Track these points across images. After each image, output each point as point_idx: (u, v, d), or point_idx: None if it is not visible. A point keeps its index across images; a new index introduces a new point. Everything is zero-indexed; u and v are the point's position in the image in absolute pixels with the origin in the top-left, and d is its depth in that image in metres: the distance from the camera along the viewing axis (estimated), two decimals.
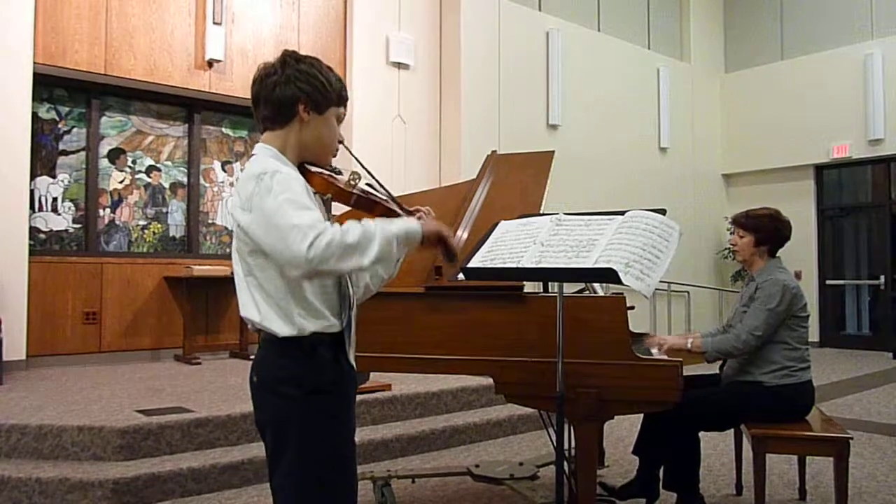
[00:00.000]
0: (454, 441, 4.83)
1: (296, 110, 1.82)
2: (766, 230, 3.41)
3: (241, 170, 7.72)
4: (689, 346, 3.38)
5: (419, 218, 2.02)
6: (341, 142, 1.94)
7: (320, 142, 1.88)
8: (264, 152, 1.82)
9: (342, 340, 1.83)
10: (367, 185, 1.94)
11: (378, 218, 1.73)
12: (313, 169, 1.86)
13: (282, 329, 1.73)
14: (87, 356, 6.50)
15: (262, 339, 1.81)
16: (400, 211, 1.94)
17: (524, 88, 9.02)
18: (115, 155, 6.97)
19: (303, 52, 1.91)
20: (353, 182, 1.89)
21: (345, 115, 1.94)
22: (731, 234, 3.64)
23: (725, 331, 3.56)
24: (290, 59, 1.84)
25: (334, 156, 1.94)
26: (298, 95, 1.81)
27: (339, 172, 1.92)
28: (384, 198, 1.94)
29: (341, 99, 1.90)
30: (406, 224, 1.74)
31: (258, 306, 1.75)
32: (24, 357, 5.93)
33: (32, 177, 6.27)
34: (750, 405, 3.26)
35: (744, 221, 3.48)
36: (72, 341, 6.46)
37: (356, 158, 1.96)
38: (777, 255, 3.47)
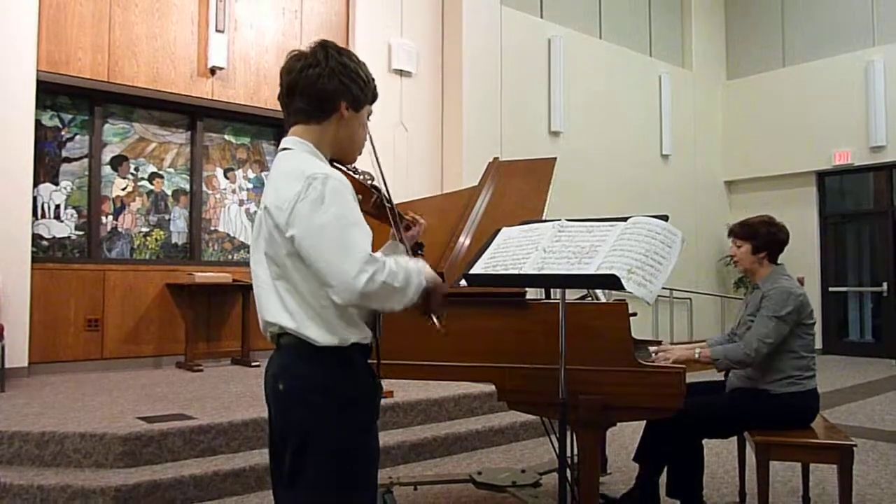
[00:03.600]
0: (456, 448, 4.82)
1: (336, 106, 1.75)
2: (762, 236, 3.41)
3: (244, 177, 7.73)
4: (696, 356, 3.33)
5: (412, 226, 2.05)
6: (367, 138, 1.90)
7: (354, 140, 1.84)
8: (300, 147, 1.74)
9: (370, 350, 1.79)
10: (374, 187, 1.93)
11: (410, 259, 1.74)
12: (343, 168, 1.82)
13: (321, 337, 1.65)
14: (89, 363, 6.50)
15: (286, 346, 1.70)
16: (401, 217, 1.98)
17: (526, 95, 9.04)
18: (118, 162, 6.98)
19: None
20: (368, 182, 1.89)
21: (372, 112, 1.89)
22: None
23: (731, 339, 3.55)
24: (332, 51, 1.76)
25: (360, 154, 1.90)
26: (342, 91, 1.75)
27: (357, 172, 1.89)
28: (391, 204, 1.95)
29: (375, 97, 1.86)
30: (430, 274, 1.76)
31: (291, 312, 1.66)
32: (26, 364, 5.93)
33: (35, 184, 6.28)
34: (754, 413, 3.24)
35: (739, 230, 3.49)
36: (74, 348, 6.46)
37: (378, 164, 1.95)
38: (780, 262, 3.47)
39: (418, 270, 1.70)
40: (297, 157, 1.71)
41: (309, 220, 1.58)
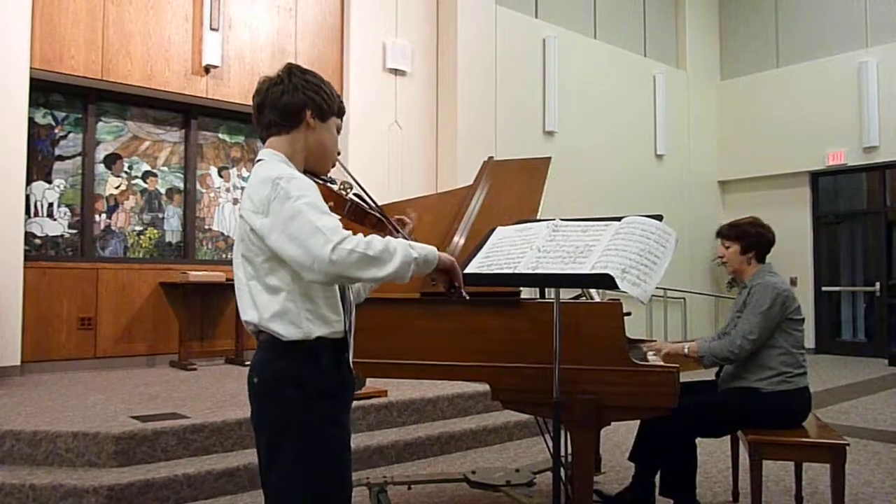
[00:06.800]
0: (450, 447, 4.82)
1: (303, 116, 1.88)
2: (750, 236, 3.47)
3: (238, 175, 7.72)
4: (685, 351, 3.42)
5: (404, 225, 2.14)
6: (339, 153, 2.02)
7: (324, 148, 1.95)
8: (273, 157, 1.86)
9: (344, 345, 1.86)
10: (356, 195, 2.03)
11: (398, 238, 1.77)
12: (317, 179, 1.93)
13: (287, 332, 1.75)
14: (82, 362, 6.48)
15: (262, 341, 1.82)
16: (387, 221, 2.04)
17: (521, 95, 9.04)
18: (112, 160, 6.96)
19: (300, 59, 1.97)
20: (345, 191, 1.99)
21: (341, 127, 2.02)
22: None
23: (721, 338, 3.57)
24: (295, 70, 1.92)
25: (333, 165, 2.01)
26: (306, 101, 1.88)
27: (333, 182, 2.00)
28: (373, 208, 2.03)
29: (340, 111, 1.99)
30: (426, 249, 1.76)
31: (260, 309, 1.78)
32: (18, 363, 5.90)
33: (28, 182, 6.25)
34: (747, 411, 3.26)
35: (727, 232, 3.55)
36: (67, 347, 6.43)
37: (347, 171, 2.05)
38: (767, 261, 3.50)
39: (410, 244, 1.73)
40: (269, 165, 1.82)
41: (278, 215, 1.68)
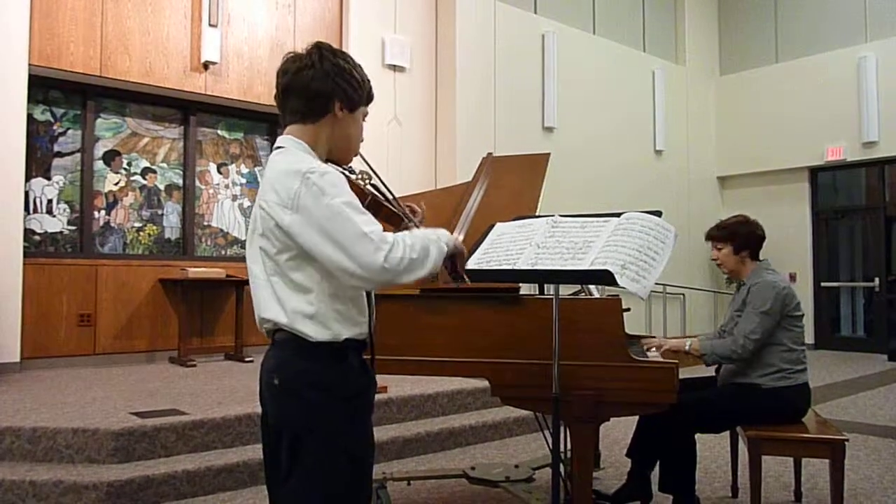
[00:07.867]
0: (450, 443, 4.83)
1: (331, 106, 1.76)
2: (740, 235, 3.45)
3: (237, 171, 7.71)
4: (687, 347, 3.40)
5: (415, 213, 2.09)
6: (362, 140, 1.92)
7: (349, 140, 1.84)
8: (295, 146, 1.75)
9: (368, 346, 1.81)
10: (373, 185, 1.97)
11: (427, 229, 1.77)
12: (338, 169, 1.83)
13: (315, 333, 1.66)
14: (82, 358, 6.48)
15: (281, 341, 1.72)
16: (402, 212, 2.01)
17: (520, 91, 9.03)
18: (111, 157, 6.95)
19: None
20: (363, 181, 1.93)
21: (367, 114, 1.90)
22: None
23: (720, 335, 3.57)
24: (326, 53, 1.77)
25: (356, 154, 1.92)
26: (336, 91, 1.76)
27: (352, 171, 1.92)
28: (389, 200, 2.00)
29: (369, 98, 1.87)
30: (446, 234, 1.76)
31: (286, 308, 1.67)
32: (18, 359, 5.90)
33: (27, 178, 6.25)
34: (746, 407, 3.26)
35: (717, 234, 3.53)
36: (66, 344, 6.43)
37: (368, 164, 2.01)
38: (762, 257, 3.49)
39: (437, 237, 1.72)
40: (292, 155, 1.72)
41: (312, 213, 1.59)
